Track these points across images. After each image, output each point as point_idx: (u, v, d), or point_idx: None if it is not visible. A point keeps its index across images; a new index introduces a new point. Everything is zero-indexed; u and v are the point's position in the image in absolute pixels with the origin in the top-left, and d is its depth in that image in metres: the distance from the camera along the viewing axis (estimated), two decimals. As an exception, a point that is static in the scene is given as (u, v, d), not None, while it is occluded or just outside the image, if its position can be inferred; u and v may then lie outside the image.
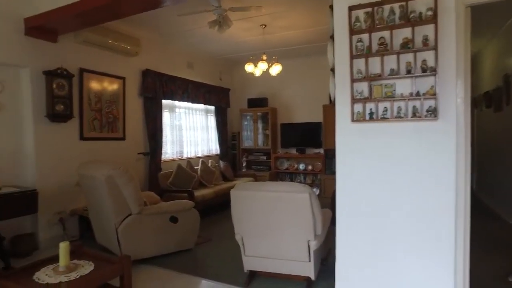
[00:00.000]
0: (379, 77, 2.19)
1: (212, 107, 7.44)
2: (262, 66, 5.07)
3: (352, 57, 2.24)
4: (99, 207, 3.57)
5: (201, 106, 7.12)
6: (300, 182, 7.38)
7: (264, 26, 5.29)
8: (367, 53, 2.20)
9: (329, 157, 6.99)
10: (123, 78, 5.17)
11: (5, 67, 3.88)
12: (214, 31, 4.38)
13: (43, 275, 2.40)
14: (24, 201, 3.53)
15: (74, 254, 2.75)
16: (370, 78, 2.22)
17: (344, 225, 2.58)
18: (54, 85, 4.13)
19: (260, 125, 7.76)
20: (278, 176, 7.62)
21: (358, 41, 2.22)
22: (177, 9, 4.34)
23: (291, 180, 7.50)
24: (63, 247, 2.44)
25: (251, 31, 5.52)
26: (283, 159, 7.62)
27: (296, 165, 7.45)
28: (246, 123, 7.93)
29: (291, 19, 5.05)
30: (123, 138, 5.18)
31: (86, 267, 2.53)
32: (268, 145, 7.63)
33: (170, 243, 3.71)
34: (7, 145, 3.90)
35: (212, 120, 7.48)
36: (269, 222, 2.90)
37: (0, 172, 3.68)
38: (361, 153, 2.44)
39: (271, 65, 5.24)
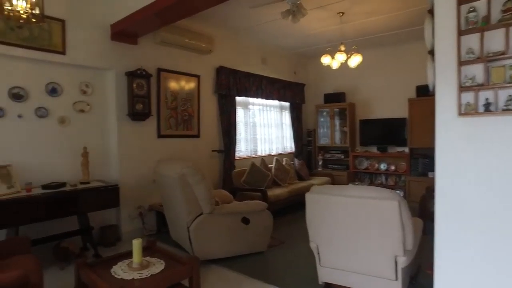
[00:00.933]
0: (501, 55, 1.69)
1: (287, 103, 7.20)
2: (340, 57, 4.65)
3: (460, 33, 1.78)
4: (172, 205, 3.58)
5: (275, 102, 6.93)
6: (381, 183, 6.73)
7: (341, 14, 4.86)
8: (484, 26, 1.72)
9: (416, 156, 6.24)
10: (198, 76, 5.21)
11: (95, 71, 4.14)
12: (288, 24, 4.13)
13: (119, 270, 2.46)
14: (108, 195, 3.71)
15: (148, 250, 2.79)
16: (487, 58, 1.73)
17: (445, 237, 2.09)
18: (134, 85, 4.29)
19: (337, 122, 7.29)
20: (356, 176, 7.08)
21: (469, 11, 1.75)
22: (249, 1, 4.18)
23: (371, 181, 6.89)
24: (136, 244, 2.46)
25: (327, 20, 5.13)
26: (362, 158, 7.05)
27: (376, 165, 6.82)
28: (322, 119, 7.52)
29: (374, 3, 4.53)
30: (197, 136, 5.23)
31: (157, 266, 2.52)
32: (346, 142, 7.13)
33: (242, 244, 3.56)
34: (96, 143, 4.16)
35: (286, 117, 7.25)
36: (350, 232, 2.55)
37: (90, 168, 3.92)
38: (472, 152, 1.94)
39: (350, 56, 4.78)
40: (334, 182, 6.85)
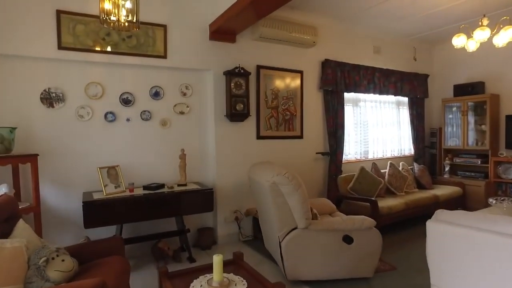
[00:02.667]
0: None
1: (405, 99, 6.19)
2: (481, 35, 3.58)
3: None
4: (265, 214, 3.27)
5: (391, 97, 6.02)
6: (538, 198, 5.17)
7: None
8: None
9: None
10: (300, 72, 4.80)
11: (194, 72, 4.14)
12: (405, 3, 3.36)
13: (198, 285, 2.27)
14: (203, 199, 3.63)
15: (233, 265, 2.61)
16: None
17: None
18: (232, 85, 4.14)
19: (471, 119, 5.93)
20: (499, 188, 5.63)
21: None
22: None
23: (522, 195, 5.38)
24: (217, 261, 2.24)
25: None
26: (509, 165, 5.57)
27: (531, 174, 5.28)
28: (450, 116, 6.24)
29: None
30: (300, 137, 4.83)
31: (239, 287, 2.24)
32: (484, 144, 5.73)
33: (342, 267, 3.03)
34: (194, 145, 4.17)
35: (404, 114, 6.25)
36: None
37: (188, 170, 3.94)
38: None
39: (497, 32, 3.65)
40: (466, 194, 5.59)
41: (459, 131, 6.07)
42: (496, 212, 4.16)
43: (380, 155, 5.80)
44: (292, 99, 4.75)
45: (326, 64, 4.94)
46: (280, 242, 2.95)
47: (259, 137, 4.46)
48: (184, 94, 4.10)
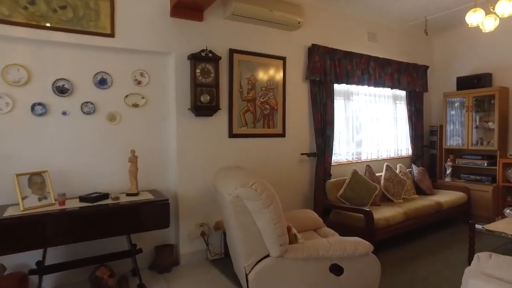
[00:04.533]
0: None
1: (403, 92, 5.51)
2: (505, 7, 2.86)
3: None
4: (231, 233, 2.55)
5: (387, 91, 5.33)
6: (553, 205, 4.54)
7: None
8: None
9: None
10: (283, 59, 4.08)
11: (152, 55, 3.38)
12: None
13: None
14: (155, 213, 2.88)
15: None
16: None
17: None
18: (198, 71, 3.40)
19: (476, 115, 5.27)
20: (508, 193, 4.99)
21: None
22: None
23: (534, 201, 4.75)
24: None
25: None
26: (518, 167, 4.93)
27: (544, 178, 4.65)
28: (453, 112, 5.58)
29: None
30: (282, 135, 4.11)
31: None
32: (491, 144, 5.08)
33: (330, 306, 2.32)
34: (151, 144, 3.41)
35: (402, 110, 5.56)
36: None
37: (144, 175, 3.19)
38: None
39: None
40: (471, 199, 4.93)
41: (462, 129, 5.41)
42: (512, 224, 3.51)
43: (375, 156, 5.11)
44: (273, 90, 4.02)
45: (314, 50, 4.22)
46: (246, 275, 2.22)
47: (231, 135, 3.73)
48: (139, 83, 3.34)
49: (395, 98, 5.48)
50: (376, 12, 4.76)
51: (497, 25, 3.29)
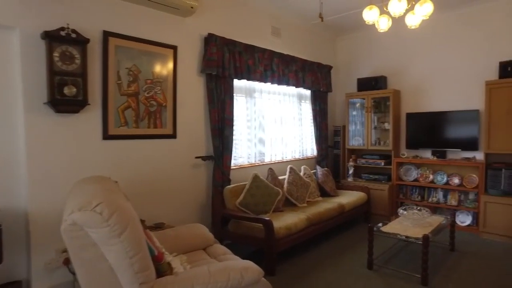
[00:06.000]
0: None
1: (307, 92, 5.39)
2: (396, 7, 2.77)
3: None
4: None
5: (292, 89, 5.14)
6: (437, 202, 4.83)
7: None
8: None
9: (495, 167, 4.30)
10: (174, 48, 3.52)
11: (-13, 29, 2.52)
12: None
13: None
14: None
15: None
16: None
17: None
18: (57, 55, 2.65)
19: (374, 116, 5.41)
20: (401, 190, 5.19)
21: None
22: None
23: (422, 198, 5.00)
24: None
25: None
26: (410, 166, 5.16)
27: (431, 176, 4.91)
28: (354, 113, 5.67)
29: None
30: (172, 136, 3.55)
31: None
32: (387, 144, 5.25)
33: None
34: (-12, 148, 2.56)
35: (307, 110, 5.44)
36: None
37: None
38: None
39: (410, 8, 2.90)
40: (371, 198, 5.00)
41: (363, 129, 5.51)
42: (406, 223, 3.52)
43: (279, 158, 4.86)
44: (161, 84, 3.43)
45: (210, 41, 3.75)
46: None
47: (107, 136, 3.04)
48: (-37, 66, 2.46)
49: (300, 97, 5.32)
50: (280, 6, 4.51)
51: (390, 25, 3.22)
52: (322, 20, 3.52)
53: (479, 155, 4.53)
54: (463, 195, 4.69)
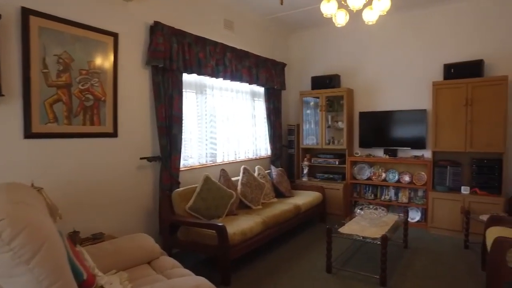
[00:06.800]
0: None
1: (261, 89, 5.20)
2: (356, 1, 2.64)
3: None
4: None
5: (245, 86, 4.91)
6: (389, 200, 4.90)
7: None
8: None
9: (442, 164, 4.43)
10: (114, 35, 3.11)
11: None
12: None
13: None
14: None
15: None
16: None
17: None
18: (-40, 34, 2.16)
19: (328, 115, 5.37)
20: (355, 189, 5.20)
21: None
22: None
23: (375, 196, 5.04)
24: None
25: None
26: (363, 165, 5.18)
27: (383, 175, 4.97)
28: (308, 111, 5.59)
29: None
30: (112, 134, 3.14)
31: None
32: (341, 143, 5.23)
33: None
34: None
35: (260, 108, 5.25)
36: None
37: None
38: None
39: (368, 2, 2.81)
40: (326, 198, 4.93)
41: (317, 128, 5.45)
42: (363, 223, 3.45)
43: (232, 158, 4.61)
44: (99, 75, 3.01)
45: (157, 30, 3.39)
46: None
47: (30, 134, 2.57)
48: None
49: (253, 95, 5.11)
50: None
51: (347, 20, 3.11)
52: (281, 3, 3.32)
53: (428, 153, 4.65)
54: (413, 192, 4.79)
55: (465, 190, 4.20)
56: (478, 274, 3.15)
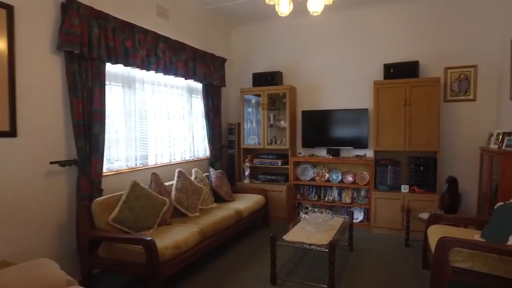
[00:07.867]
0: None
1: (199, 85, 4.79)
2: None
3: None
4: None
5: (181, 81, 4.47)
6: (333, 200, 4.81)
7: None
8: None
9: (383, 163, 4.43)
10: (7, 8, 2.50)
11: None
12: None
13: None
14: None
15: None
16: None
17: None
18: None
19: (270, 114, 5.15)
20: (298, 191, 5.04)
21: None
22: None
23: (319, 197, 4.93)
24: None
25: None
26: (306, 165, 5.04)
27: (327, 175, 4.87)
28: (249, 109, 5.31)
29: None
30: (10, 134, 2.52)
31: None
32: (284, 143, 5.04)
33: None
34: None
35: (199, 105, 4.84)
36: None
37: None
38: None
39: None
40: (268, 200, 4.68)
41: (258, 127, 5.19)
42: (308, 228, 3.24)
43: (166, 160, 4.13)
44: (-11, 59, 2.40)
45: (71, 9, 2.83)
46: None
47: None
48: None
49: (191, 91, 4.69)
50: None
51: (291, 9, 2.87)
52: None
53: (369, 153, 4.63)
54: (356, 192, 4.75)
55: (404, 188, 4.24)
56: (420, 273, 3.12)
